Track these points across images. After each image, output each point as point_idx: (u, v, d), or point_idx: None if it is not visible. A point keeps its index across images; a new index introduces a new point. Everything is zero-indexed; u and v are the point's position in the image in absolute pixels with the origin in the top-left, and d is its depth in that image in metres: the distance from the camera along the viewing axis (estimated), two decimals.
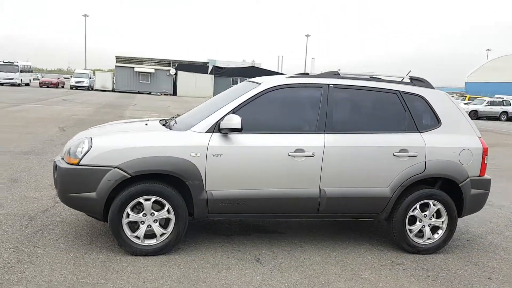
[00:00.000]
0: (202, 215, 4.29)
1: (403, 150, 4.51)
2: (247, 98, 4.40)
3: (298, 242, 4.82)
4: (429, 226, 4.69)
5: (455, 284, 4.01)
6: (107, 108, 23.06)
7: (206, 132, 4.23)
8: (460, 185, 4.64)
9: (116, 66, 50.00)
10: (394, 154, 4.49)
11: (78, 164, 4.05)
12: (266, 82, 4.54)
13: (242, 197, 4.26)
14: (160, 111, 23.20)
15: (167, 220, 4.21)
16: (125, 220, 4.10)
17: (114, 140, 4.16)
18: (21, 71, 48.23)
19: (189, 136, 4.20)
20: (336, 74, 4.75)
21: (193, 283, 3.69)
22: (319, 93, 4.53)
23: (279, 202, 4.35)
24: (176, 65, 52.18)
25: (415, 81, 4.90)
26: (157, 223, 4.19)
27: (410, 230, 4.65)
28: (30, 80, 52.98)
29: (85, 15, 66.22)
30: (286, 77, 4.66)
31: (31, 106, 20.90)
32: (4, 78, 46.62)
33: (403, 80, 4.93)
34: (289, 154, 4.28)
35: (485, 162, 4.77)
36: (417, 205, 4.60)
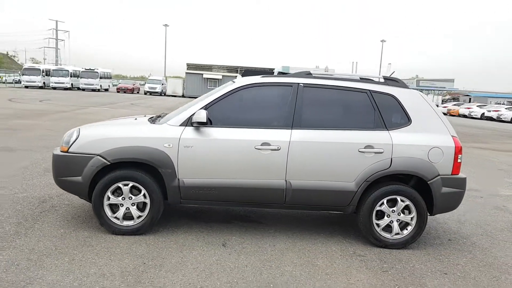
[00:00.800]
0: (176, 201, 4.73)
1: (368, 146, 4.68)
2: (220, 95, 4.80)
3: (273, 232, 5.11)
4: (397, 222, 4.80)
5: (405, 275, 4.13)
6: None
7: (179, 125, 4.67)
8: (428, 182, 4.72)
9: (186, 72, 52.22)
10: (359, 150, 4.67)
11: (67, 151, 4.65)
12: (240, 81, 4.92)
13: (212, 185, 4.64)
14: None
15: (144, 204, 4.69)
16: (106, 202, 4.63)
17: (98, 131, 4.72)
18: (100, 78, 51.83)
19: (164, 129, 4.67)
20: (308, 74, 5.01)
21: (152, 258, 4.13)
22: (289, 92, 4.82)
23: (246, 192, 4.68)
24: (243, 71, 53.35)
25: (388, 81, 5.03)
26: (135, 206, 4.68)
27: (378, 225, 4.79)
28: (109, 86, 56.67)
29: (166, 25, 69.49)
30: (261, 77, 4.99)
31: (98, 109, 22.52)
32: (85, 84, 50.39)
33: (379, 80, 5.09)
34: (256, 147, 4.61)
35: (458, 161, 4.80)
36: (384, 200, 4.74)
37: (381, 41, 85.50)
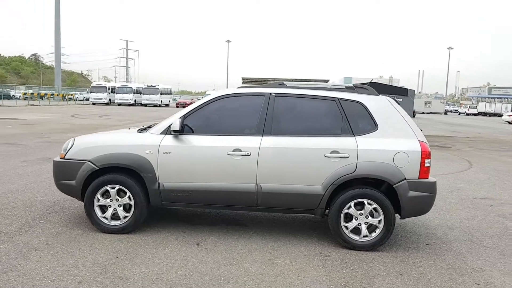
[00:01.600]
0: (157, 203, 5.18)
1: (334, 151, 4.90)
2: (198, 105, 5.23)
3: (252, 233, 5.42)
4: (365, 224, 4.97)
5: (358, 274, 4.30)
6: None
7: (160, 134, 5.15)
8: (394, 186, 4.86)
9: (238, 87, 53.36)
10: (325, 155, 4.91)
11: (64, 158, 5.25)
12: (216, 92, 5.33)
13: (189, 189, 5.06)
14: None
15: (129, 206, 5.19)
16: (96, 204, 5.18)
17: (89, 140, 5.29)
18: (161, 94, 54.19)
19: (146, 137, 5.16)
20: (281, 84, 5.33)
21: (127, 253, 4.59)
22: (261, 101, 5.17)
23: (221, 195, 5.05)
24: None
25: (358, 88, 5.24)
26: (122, 208, 5.19)
27: (346, 227, 4.98)
28: (169, 101, 59.04)
29: (228, 41, 71.65)
30: (237, 87, 5.37)
31: (150, 123, 23.66)
32: (147, 100, 52.90)
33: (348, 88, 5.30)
34: (228, 153, 4.98)
35: (426, 165, 4.90)
36: (352, 204, 4.93)
37: (448, 48, 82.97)
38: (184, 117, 5.17)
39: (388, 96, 5.42)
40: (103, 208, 5.23)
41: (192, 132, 5.13)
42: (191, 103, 52.90)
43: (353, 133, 4.99)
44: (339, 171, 4.89)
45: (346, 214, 4.98)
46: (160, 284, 3.89)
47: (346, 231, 4.98)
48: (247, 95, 5.29)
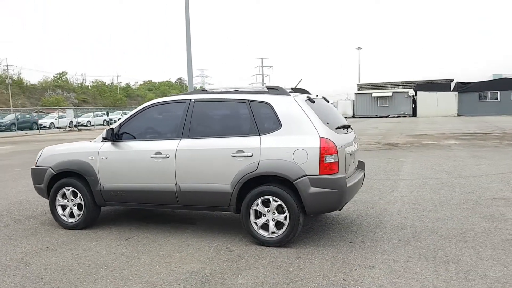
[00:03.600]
0: (102, 203, 5.89)
1: (239, 151, 5.12)
2: (132, 114, 5.85)
3: (190, 231, 5.80)
4: (273, 221, 5.07)
5: (233, 265, 4.50)
6: None
7: (101, 141, 5.86)
8: (294, 183, 4.90)
9: (355, 93, 52.69)
10: (232, 155, 5.15)
11: (36, 165, 6.25)
12: (146, 103, 5.89)
13: (123, 189, 5.68)
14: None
15: (81, 205, 5.97)
16: (57, 203, 6.06)
17: (52, 149, 6.23)
18: None
19: (91, 144, 5.92)
20: (203, 90, 5.70)
21: (57, 244, 5.35)
22: (183, 107, 5.59)
23: (148, 194, 5.58)
24: (415, 85, 51.33)
25: (269, 89, 5.37)
26: (76, 207, 5.99)
27: (256, 223, 5.14)
28: None
29: (359, 48, 71.46)
30: (167, 97, 5.87)
31: None
32: None
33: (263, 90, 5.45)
34: (151, 156, 5.50)
35: (326, 161, 4.86)
36: (259, 201, 5.07)
37: None
38: (120, 126, 5.81)
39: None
40: (63, 207, 6.08)
41: (127, 138, 5.75)
42: None
43: (259, 133, 5.15)
44: (244, 169, 5.09)
45: (256, 211, 5.14)
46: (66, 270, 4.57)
47: (255, 228, 5.14)
48: (172, 102, 5.75)
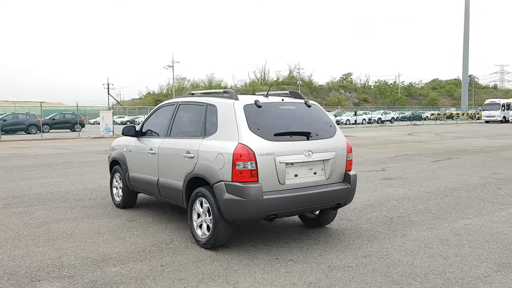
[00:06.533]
0: (131, 188, 6.92)
1: (187, 152, 5.36)
2: (150, 113, 6.73)
3: (173, 225, 6.25)
4: (205, 222, 5.13)
5: (159, 264, 4.67)
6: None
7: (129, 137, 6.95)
8: (213, 186, 4.88)
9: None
10: (183, 155, 5.43)
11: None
12: (160, 103, 6.64)
13: (135, 178, 6.65)
14: None
15: (123, 189, 7.17)
16: (113, 184, 7.44)
17: (115, 141, 7.61)
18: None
19: (128, 138, 7.04)
20: (190, 94, 6.10)
21: (50, 236, 5.82)
22: (173, 109, 6.15)
23: (146, 184, 6.37)
24: None
25: (225, 93, 5.37)
26: (121, 190, 7.24)
27: (195, 222, 5.30)
28: None
29: None
30: (174, 99, 6.46)
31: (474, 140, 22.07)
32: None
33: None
34: (147, 151, 6.29)
35: (237, 168, 4.65)
36: (197, 201, 5.23)
37: None
38: (143, 123, 6.77)
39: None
40: (116, 188, 7.39)
41: (142, 135, 6.68)
42: None
43: (205, 135, 5.29)
44: (188, 169, 5.31)
45: (196, 210, 5.28)
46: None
47: (194, 227, 5.29)
48: (169, 104, 6.36)
